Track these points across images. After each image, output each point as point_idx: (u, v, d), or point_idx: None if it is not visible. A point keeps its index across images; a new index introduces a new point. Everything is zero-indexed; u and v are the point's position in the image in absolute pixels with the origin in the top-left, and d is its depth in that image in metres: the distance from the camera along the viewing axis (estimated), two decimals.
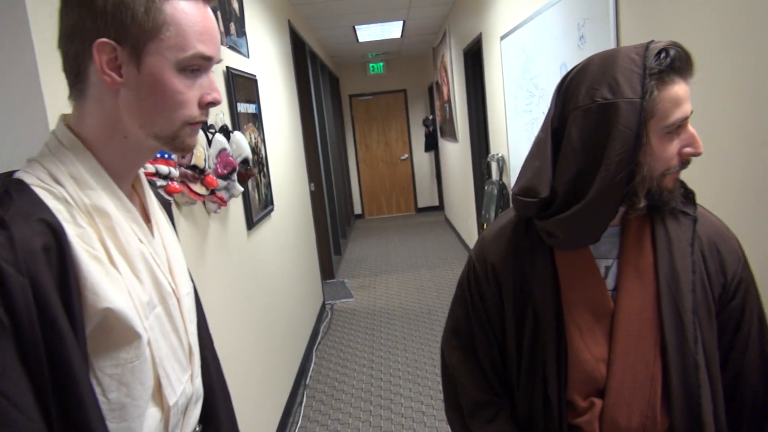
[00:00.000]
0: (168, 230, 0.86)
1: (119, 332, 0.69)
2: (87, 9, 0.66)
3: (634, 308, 0.92)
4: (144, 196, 0.83)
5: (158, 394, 0.76)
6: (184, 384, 0.81)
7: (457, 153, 6.19)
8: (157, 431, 0.76)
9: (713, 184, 1.47)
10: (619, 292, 0.93)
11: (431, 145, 8.45)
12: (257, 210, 2.75)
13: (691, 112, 0.88)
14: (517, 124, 3.35)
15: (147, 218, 0.82)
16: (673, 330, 0.90)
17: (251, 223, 2.59)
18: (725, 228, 0.97)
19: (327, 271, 5.47)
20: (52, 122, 1.06)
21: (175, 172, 1.47)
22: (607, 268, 0.96)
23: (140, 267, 0.74)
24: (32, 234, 0.61)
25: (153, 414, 0.75)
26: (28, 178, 0.67)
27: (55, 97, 1.11)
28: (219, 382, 0.95)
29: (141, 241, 0.76)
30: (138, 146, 0.75)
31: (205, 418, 0.90)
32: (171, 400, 0.77)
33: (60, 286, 0.63)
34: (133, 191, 0.82)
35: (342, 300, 4.93)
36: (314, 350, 3.89)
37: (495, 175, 4.08)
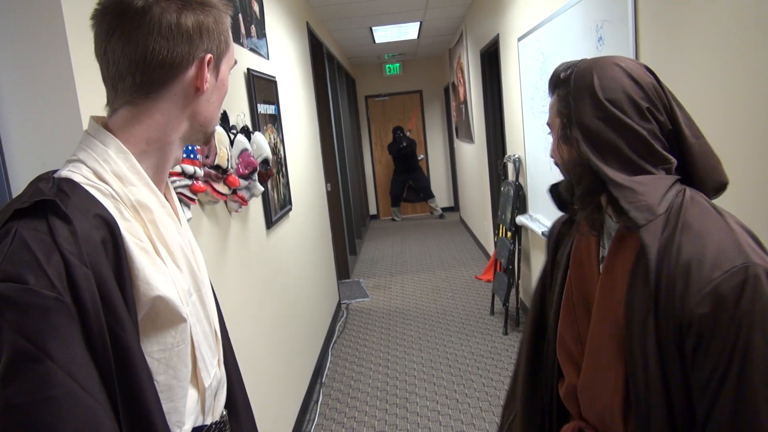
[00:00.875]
0: (187, 226, 0.91)
1: (166, 318, 0.74)
2: (197, 31, 0.76)
3: (605, 305, 0.91)
4: (170, 193, 0.88)
5: (194, 377, 0.81)
6: (215, 368, 0.86)
7: (473, 154, 6.19)
8: (196, 412, 0.81)
9: (732, 186, 1.47)
10: (599, 285, 0.94)
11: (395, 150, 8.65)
12: (276, 209, 2.79)
13: (548, 124, 0.99)
14: (534, 125, 3.35)
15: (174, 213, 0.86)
16: (630, 341, 0.85)
17: (270, 223, 2.63)
18: (717, 258, 0.78)
19: (343, 270, 5.51)
20: (86, 123, 1.10)
21: (200, 172, 1.51)
22: (603, 258, 0.97)
23: (180, 257, 0.79)
24: (91, 228, 0.66)
25: (192, 395, 0.80)
26: (76, 177, 0.71)
27: (89, 98, 1.15)
28: (235, 369, 0.99)
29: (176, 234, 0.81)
30: (182, 144, 0.83)
31: (226, 404, 0.94)
32: (206, 381, 0.82)
33: (116, 276, 0.67)
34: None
35: (357, 299, 4.96)
36: (330, 349, 3.92)
37: (511, 176, 4.08)
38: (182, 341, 0.76)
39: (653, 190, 0.85)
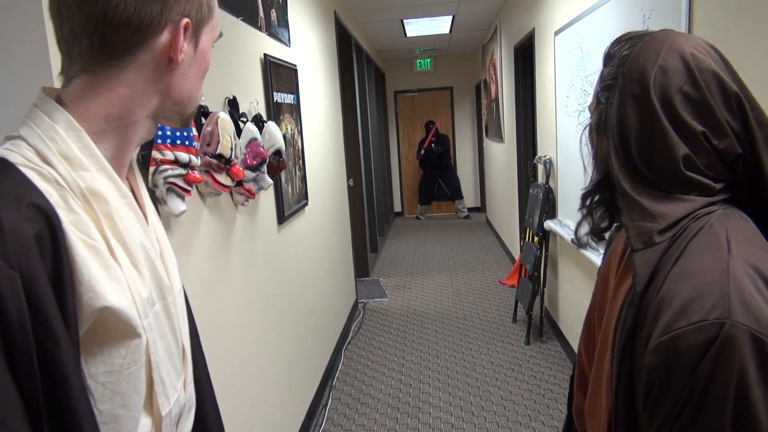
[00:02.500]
0: (158, 221, 0.78)
1: (115, 334, 0.61)
2: None
3: (608, 328, 0.79)
4: (135, 181, 0.75)
5: (149, 403, 0.68)
6: (179, 391, 0.73)
7: (502, 154, 5.99)
8: None
9: None
10: (607, 305, 0.83)
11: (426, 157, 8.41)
12: (290, 204, 2.66)
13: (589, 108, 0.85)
14: (568, 125, 3.15)
15: (139, 205, 0.74)
16: (611, 372, 0.74)
17: (282, 218, 2.50)
18: (689, 305, 0.62)
19: (362, 268, 5.37)
20: None
21: (197, 161, 1.38)
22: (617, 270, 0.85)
23: (140, 258, 0.66)
24: (23, 220, 0.53)
25: (145, 425, 0.67)
26: (13, 157, 0.58)
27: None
28: (208, 387, 0.87)
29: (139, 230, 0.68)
30: (151, 125, 0.71)
31: (194, 429, 0.82)
32: (164, 409, 0.70)
33: (53, 281, 0.55)
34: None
35: (375, 299, 4.82)
36: (343, 349, 3.79)
37: (541, 178, 3.88)
38: (134, 362, 0.63)
39: (668, 212, 0.70)
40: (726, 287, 0.62)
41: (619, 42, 0.78)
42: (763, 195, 0.72)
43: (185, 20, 0.66)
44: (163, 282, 0.71)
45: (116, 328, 0.61)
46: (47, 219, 0.55)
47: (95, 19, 0.61)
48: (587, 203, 0.80)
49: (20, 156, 0.59)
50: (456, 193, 8.49)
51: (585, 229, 0.82)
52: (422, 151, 8.38)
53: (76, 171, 0.61)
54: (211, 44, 0.73)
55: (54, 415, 0.54)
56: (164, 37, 0.65)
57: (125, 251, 0.64)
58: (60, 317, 0.55)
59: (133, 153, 0.72)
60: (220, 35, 0.75)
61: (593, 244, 0.81)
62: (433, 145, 8.30)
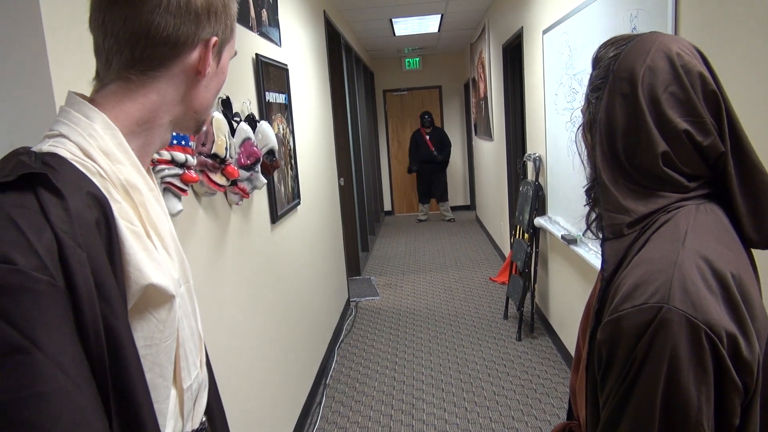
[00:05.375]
0: (168, 214, 0.82)
1: (154, 309, 0.68)
2: (206, 11, 0.72)
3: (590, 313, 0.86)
4: (153, 178, 0.81)
5: (174, 377, 0.75)
6: (197, 368, 0.80)
7: (491, 152, 6.02)
8: (175, 416, 0.75)
9: None
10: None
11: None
12: (283, 203, 2.67)
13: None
14: (557, 122, 3.18)
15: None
16: (587, 346, 0.81)
17: (275, 217, 2.51)
18: (635, 289, 0.68)
19: (353, 267, 5.38)
20: (59, 99, 0.99)
21: (193, 160, 1.38)
22: None
23: (170, 243, 0.74)
24: (84, 207, 0.60)
25: (173, 396, 0.74)
26: (61, 152, 0.64)
27: (62, 74, 1.03)
28: (210, 373, 0.92)
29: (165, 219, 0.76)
30: (171, 128, 0.77)
31: (204, 410, 0.87)
32: (186, 383, 0.76)
33: (109, 261, 0.61)
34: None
35: (367, 298, 4.83)
36: (336, 348, 3.80)
37: (531, 176, 3.92)
38: (170, 336, 0.70)
39: (640, 208, 0.75)
40: (670, 275, 0.67)
41: (606, 46, 0.83)
42: (730, 190, 0.76)
43: (214, 39, 0.73)
44: (186, 266, 0.79)
45: (156, 304, 0.67)
46: (102, 206, 0.61)
47: (138, 35, 0.68)
48: (590, 198, 0.85)
49: (67, 151, 0.64)
50: (441, 196, 8.18)
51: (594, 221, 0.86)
52: (414, 167, 8.08)
53: (114, 165, 0.67)
54: (229, 61, 0.80)
55: (116, 381, 0.59)
56: (195, 53, 0.72)
57: (158, 237, 0.71)
58: (118, 293, 0.60)
59: (152, 155, 0.78)
60: (235, 54, 0.82)
61: (599, 236, 0.87)
62: (433, 152, 7.94)
